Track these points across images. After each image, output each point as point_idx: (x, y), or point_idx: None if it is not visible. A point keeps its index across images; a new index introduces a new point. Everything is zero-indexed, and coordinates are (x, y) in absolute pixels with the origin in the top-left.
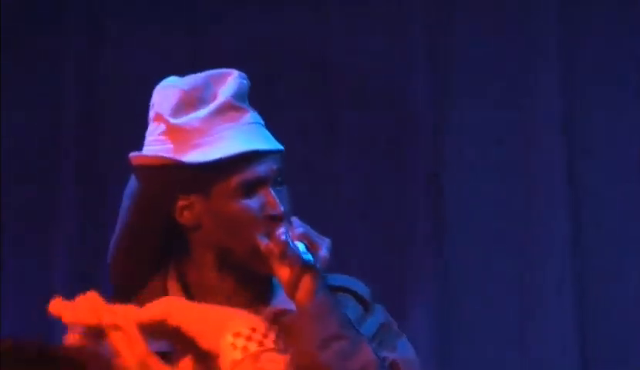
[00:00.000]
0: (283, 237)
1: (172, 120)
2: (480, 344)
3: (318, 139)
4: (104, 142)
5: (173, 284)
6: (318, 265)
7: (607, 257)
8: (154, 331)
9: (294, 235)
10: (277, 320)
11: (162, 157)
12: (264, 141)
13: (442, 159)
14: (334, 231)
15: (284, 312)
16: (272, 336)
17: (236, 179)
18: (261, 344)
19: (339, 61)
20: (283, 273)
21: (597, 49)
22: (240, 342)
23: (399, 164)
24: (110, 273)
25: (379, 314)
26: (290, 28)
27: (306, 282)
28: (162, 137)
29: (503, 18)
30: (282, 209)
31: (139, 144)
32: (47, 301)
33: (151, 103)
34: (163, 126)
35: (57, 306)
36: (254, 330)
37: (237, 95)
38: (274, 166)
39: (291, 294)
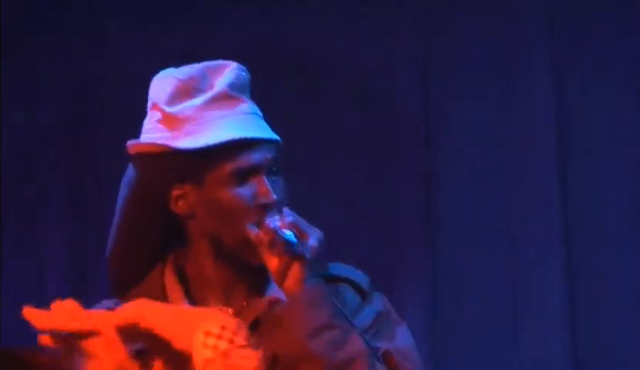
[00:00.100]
0: (272, 226)
1: (166, 108)
2: (473, 343)
3: (317, 139)
4: (104, 142)
5: (170, 277)
6: (307, 254)
7: (601, 256)
8: (130, 333)
9: (284, 224)
10: (272, 309)
11: (154, 144)
12: (258, 130)
13: (437, 159)
14: (330, 229)
15: (279, 301)
16: (243, 333)
17: (229, 167)
18: (231, 341)
19: (339, 61)
20: (272, 262)
21: (595, 49)
22: (211, 341)
23: (395, 164)
24: (108, 267)
25: (378, 303)
26: (290, 28)
27: (295, 271)
28: (157, 125)
29: (503, 18)
30: (275, 197)
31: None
32: (47, 301)
33: (149, 94)
34: (158, 115)
35: (30, 313)
36: (224, 328)
37: (234, 86)
38: (269, 155)
39: (280, 283)
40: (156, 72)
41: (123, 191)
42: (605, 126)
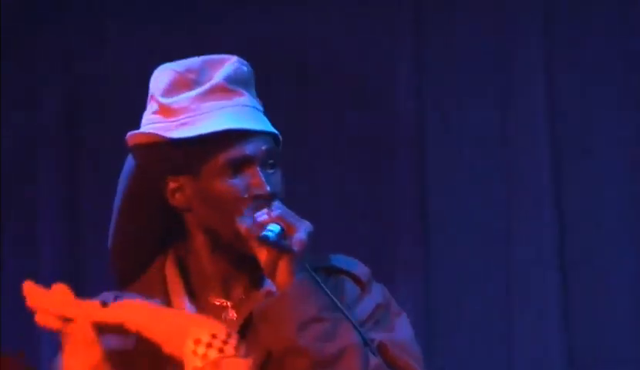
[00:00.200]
0: (259, 220)
1: (162, 100)
2: (470, 343)
3: (317, 139)
4: (104, 142)
5: (170, 270)
6: (294, 248)
7: (598, 257)
8: (114, 330)
9: (271, 217)
10: (261, 303)
11: (148, 134)
12: (254, 122)
13: (436, 158)
14: (329, 228)
15: (273, 294)
16: (233, 342)
17: (222, 157)
18: (221, 350)
19: (339, 61)
20: (262, 255)
21: (594, 49)
22: (201, 349)
23: (395, 164)
24: (110, 261)
25: (377, 294)
26: (290, 28)
27: (283, 265)
28: (153, 116)
29: (502, 18)
30: (268, 189)
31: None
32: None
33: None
34: (155, 106)
35: (28, 288)
36: (214, 336)
37: (232, 79)
38: (264, 147)
39: (271, 277)
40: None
41: (122, 184)
42: (604, 126)
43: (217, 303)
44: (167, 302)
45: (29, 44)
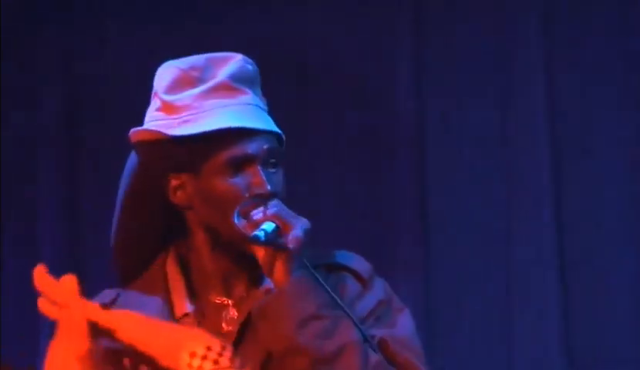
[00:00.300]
0: (254, 218)
1: (165, 97)
2: (470, 343)
3: (317, 139)
4: (104, 142)
5: (171, 268)
6: (289, 246)
7: (598, 257)
8: (106, 334)
9: (266, 216)
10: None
11: (150, 131)
12: (256, 120)
13: (435, 158)
14: (329, 228)
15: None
16: (228, 354)
17: (224, 156)
18: (216, 362)
19: (339, 61)
20: (259, 254)
21: (594, 49)
22: (196, 362)
23: (394, 164)
24: (112, 258)
25: (379, 290)
26: (290, 28)
27: (280, 263)
28: (156, 113)
29: (502, 19)
30: (269, 188)
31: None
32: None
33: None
34: (158, 103)
35: (39, 273)
36: (209, 349)
37: (236, 77)
38: (265, 146)
39: (269, 275)
40: (156, 72)
41: (124, 181)
42: (604, 126)
43: (218, 301)
44: (168, 300)
45: (29, 44)
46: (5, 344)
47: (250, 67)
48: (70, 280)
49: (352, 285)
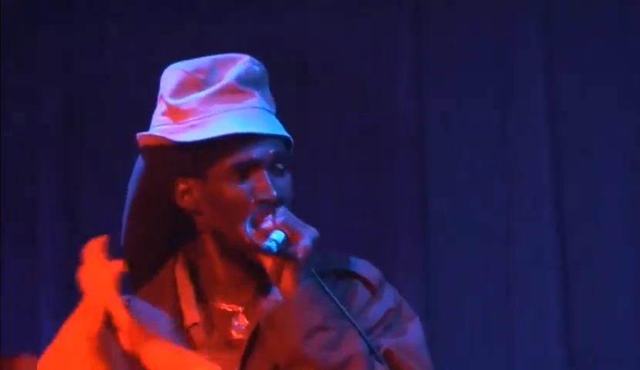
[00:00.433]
0: (263, 227)
1: (171, 101)
2: (470, 343)
3: (317, 139)
4: (104, 142)
5: (180, 273)
6: (298, 256)
7: (599, 257)
8: (116, 330)
9: (275, 224)
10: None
11: (155, 136)
12: (262, 125)
13: (435, 158)
14: (329, 229)
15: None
16: None
17: (229, 161)
18: None
19: (339, 61)
20: (267, 262)
21: (594, 49)
22: None
23: (394, 164)
24: (123, 261)
25: (388, 298)
26: (290, 28)
27: (287, 273)
28: (161, 118)
29: (502, 19)
30: (275, 194)
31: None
32: (47, 301)
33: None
34: (164, 107)
35: (96, 246)
36: None
37: (243, 79)
38: (271, 150)
39: (276, 284)
40: (156, 72)
41: (132, 184)
42: (604, 126)
43: (227, 308)
44: (177, 308)
45: (29, 44)
46: (4, 344)
47: (256, 68)
48: (115, 267)
49: (361, 293)
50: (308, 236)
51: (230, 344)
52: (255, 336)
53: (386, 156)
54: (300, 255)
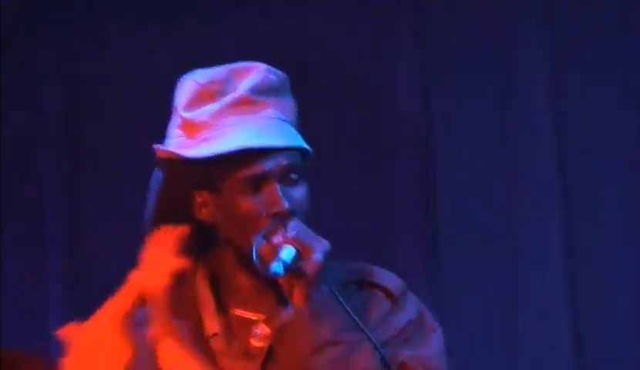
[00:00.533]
0: (274, 242)
1: (184, 114)
2: (473, 343)
3: (317, 139)
4: (104, 142)
5: (201, 282)
6: (308, 271)
7: (601, 256)
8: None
9: (285, 239)
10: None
11: (166, 151)
12: (274, 136)
13: (437, 159)
14: (330, 229)
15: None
16: None
17: (240, 175)
18: None
19: (339, 61)
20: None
21: (594, 49)
22: None
23: (395, 164)
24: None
25: (410, 309)
26: (290, 28)
27: (299, 287)
28: (175, 131)
29: (502, 18)
30: (286, 206)
31: (139, 143)
32: (46, 301)
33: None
34: (178, 120)
35: (160, 234)
36: None
37: (259, 89)
38: (284, 162)
39: (289, 297)
40: (156, 72)
41: (151, 196)
42: (604, 126)
43: (247, 316)
44: (197, 315)
45: (29, 44)
46: (4, 344)
47: (273, 77)
48: (176, 261)
49: (382, 303)
50: (319, 250)
51: (249, 353)
52: (272, 347)
53: (386, 156)
54: (310, 270)
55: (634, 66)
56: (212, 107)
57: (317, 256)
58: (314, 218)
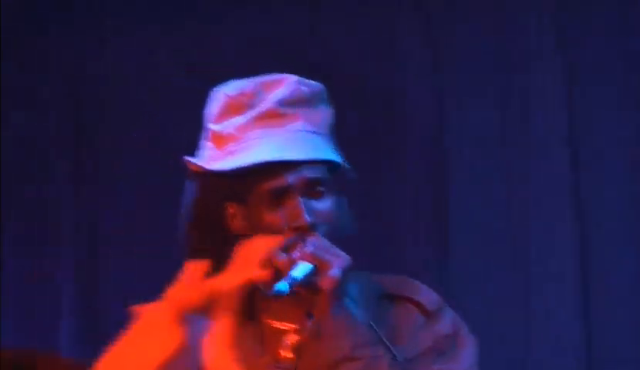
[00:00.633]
0: (293, 256)
1: (212, 126)
2: (485, 344)
3: None
4: (104, 142)
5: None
6: (324, 287)
7: (614, 256)
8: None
9: (303, 255)
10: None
11: (193, 164)
12: (299, 149)
13: (440, 159)
14: None
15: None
16: None
17: (264, 188)
18: None
19: (339, 61)
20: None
21: (595, 49)
22: None
23: (396, 164)
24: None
25: (445, 324)
26: (290, 28)
27: (320, 303)
28: (205, 143)
29: (503, 18)
30: (307, 220)
31: (138, 143)
32: (46, 301)
33: None
34: (207, 132)
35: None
36: None
37: (287, 102)
38: (308, 175)
39: (311, 313)
40: (156, 72)
41: (186, 209)
42: (604, 126)
43: (279, 326)
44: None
45: (29, 44)
46: (4, 343)
47: (304, 88)
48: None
49: (415, 318)
50: (336, 266)
51: (278, 363)
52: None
53: (386, 156)
54: (326, 286)
55: (634, 66)
56: (238, 120)
57: (334, 272)
58: None
